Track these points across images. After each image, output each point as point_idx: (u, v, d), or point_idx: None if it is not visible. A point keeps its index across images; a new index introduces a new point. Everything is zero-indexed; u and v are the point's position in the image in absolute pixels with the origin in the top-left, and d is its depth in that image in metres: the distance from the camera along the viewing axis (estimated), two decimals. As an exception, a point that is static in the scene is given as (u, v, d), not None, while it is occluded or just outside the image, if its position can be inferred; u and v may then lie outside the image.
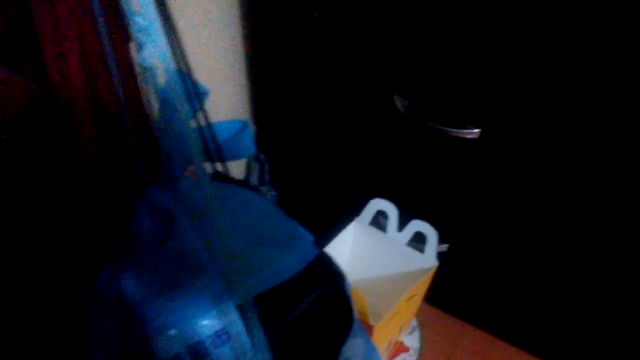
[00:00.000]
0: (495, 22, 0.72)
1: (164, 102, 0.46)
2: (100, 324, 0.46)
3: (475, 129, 0.82)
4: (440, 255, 0.89)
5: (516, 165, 0.82)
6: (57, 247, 0.49)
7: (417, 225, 0.89)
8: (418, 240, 0.90)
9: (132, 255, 0.45)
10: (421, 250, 0.89)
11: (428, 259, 0.89)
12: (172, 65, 0.42)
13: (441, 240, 0.89)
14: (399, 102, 0.89)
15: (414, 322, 1.07)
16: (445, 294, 1.07)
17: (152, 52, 0.38)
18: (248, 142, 0.53)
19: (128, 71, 0.42)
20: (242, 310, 0.45)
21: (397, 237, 0.92)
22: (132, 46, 0.43)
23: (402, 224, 0.91)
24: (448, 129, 0.84)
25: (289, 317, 0.47)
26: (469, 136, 0.84)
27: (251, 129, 0.54)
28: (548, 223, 0.84)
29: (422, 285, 0.89)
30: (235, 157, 0.53)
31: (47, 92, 0.39)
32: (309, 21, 0.90)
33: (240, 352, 0.45)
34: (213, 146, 0.50)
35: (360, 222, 0.94)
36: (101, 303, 0.46)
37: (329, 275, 0.51)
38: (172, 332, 0.42)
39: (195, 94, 0.49)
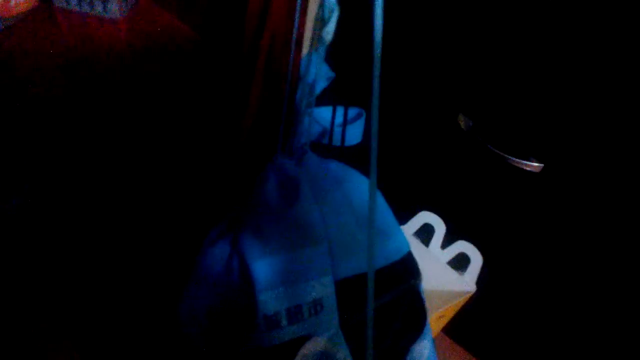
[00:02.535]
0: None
1: (304, 77, 0.50)
2: (204, 277, 0.50)
3: (537, 162, 0.85)
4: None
5: (575, 207, 0.85)
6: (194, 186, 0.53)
7: (463, 246, 0.93)
8: (459, 262, 0.94)
9: (255, 213, 0.49)
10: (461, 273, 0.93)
11: (467, 283, 0.93)
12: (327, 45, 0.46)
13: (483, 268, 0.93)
14: (463, 121, 0.92)
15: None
16: (463, 325, 1.10)
17: (330, 30, 0.43)
18: (358, 131, 0.58)
19: (299, 42, 0.47)
20: (337, 286, 0.49)
21: (439, 254, 0.96)
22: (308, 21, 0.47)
23: (446, 242, 0.95)
24: (509, 157, 0.87)
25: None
26: (528, 169, 0.87)
27: (364, 119, 0.58)
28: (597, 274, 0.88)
29: (453, 308, 0.93)
30: (341, 142, 0.57)
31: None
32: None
33: (327, 326, 0.49)
34: (330, 127, 0.54)
35: (405, 231, 0.97)
36: (213, 252, 0.50)
37: (413, 273, 0.55)
38: (278, 290, 0.47)
39: (326, 77, 0.54)
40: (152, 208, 0.55)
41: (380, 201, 0.55)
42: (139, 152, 0.55)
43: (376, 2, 0.33)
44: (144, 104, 0.53)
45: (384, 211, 0.55)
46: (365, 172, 0.55)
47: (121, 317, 0.55)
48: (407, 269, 0.55)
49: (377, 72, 0.34)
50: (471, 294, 0.91)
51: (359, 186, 0.53)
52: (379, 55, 0.35)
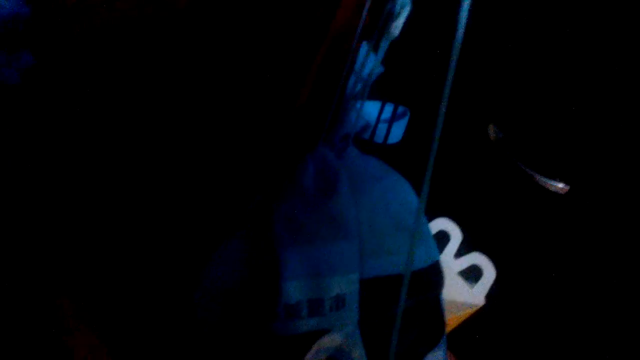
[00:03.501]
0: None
1: (360, 70, 0.49)
2: (226, 258, 0.50)
3: (563, 184, 0.85)
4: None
5: (597, 233, 0.84)
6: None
7: (477, 258, 0.93)
8: (471, 274, 0.94)
9: (289, 200, 0.49)
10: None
11: (476, 296, 0.93)
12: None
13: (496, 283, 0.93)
14: (493, 132, 0.92)
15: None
16: (465, 338, 1.11)
17: (399, 25, 0.42)
18: (401, 130, 0.57)
19: (364, 34, 0.46)
20: (362, 285, 0.49)
21: (451, 263, 0.96)
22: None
23: (460, 252, 0.95)
24: (536, 174, 0.86)
25: (392, 311, 0.52)
26: (554, 189, 0.86)
27: (407, 118, 0.58)
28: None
29: (457, 319, 0.93)
30: (383, 139, 0.57)
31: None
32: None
33: (346, 323, 0.49)
34: (375, 123, 0.54)
35: (420, 236, 0.97)
36: (238, 234, 0.50)
37: (438, 283, 0.55)
38: (303, 280, 0.47)
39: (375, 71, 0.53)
40: (177, 185, 0.54)
41: (416, 206, 0.55)
42: (168, 119, 0.54)
43: (462, 6, 0.32)
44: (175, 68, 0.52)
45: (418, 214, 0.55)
46: (403, 172, 0.54)
47: (134, 297, 0.55)
48: (433, 278, 0.54)
49: (450, 78, 0.33)
50: (479, 307, 0.92)
51: (397, 185, 0.52)
52: (455, 60, 0.34)
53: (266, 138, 0.50)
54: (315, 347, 0.48)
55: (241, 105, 0.52)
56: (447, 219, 0.95)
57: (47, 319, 0.50)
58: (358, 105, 0.48)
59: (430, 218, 0.96)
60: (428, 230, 0.56)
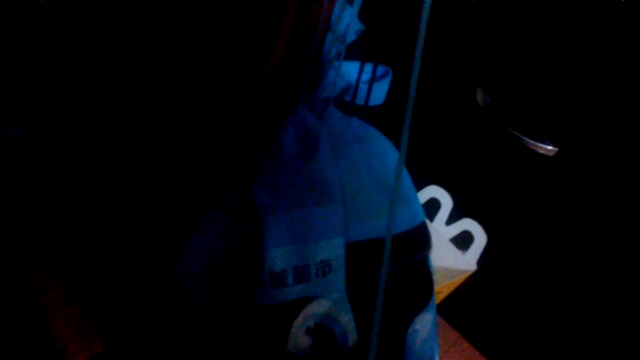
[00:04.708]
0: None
1: (334, 28, 0.48)
2: (208, 230, 0.49)
3: (552, 146, 0.85)
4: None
5: (586, 196, 0.85)
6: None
7: (468, 224, 0.93)
8: (462, 240, 0.94)
9: (270, 165, 0.48)
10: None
11: (468, 262, 0.93)
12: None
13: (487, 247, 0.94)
14: (480, 97, 0.91)
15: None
16: (455, 304, 1.12)
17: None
18: (383, 90, 0.56)
19: None
20: (347, 249, 0.49)
21: (442, 230, 0.96)
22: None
23: (451, 218, 0.95)
24: (525, 138, 0.86)
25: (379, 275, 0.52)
26: (543, 152, 0.87)
27: (389, 78, 0.57)
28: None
29: (451, 286, 0.94)
30: (365, 101, 0.56)
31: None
32: None
33: (333, 289, 0.49)
34: (355, 84, 0.53)
35: (410, 203, 0.97)
36: (221, 202, 0.49)
37: (425, 244, 0.55)
38: (287, 247, 0.46)
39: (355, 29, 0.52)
40: (159, 154, 0.54)
41: (405, 169, 0.54)
42: (149, 93, 0.53)
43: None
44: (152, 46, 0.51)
45: (403, 176, 0.54)
46: (386, 133, 0.54)
47: (118, 268, 0.54)
48: (420, 239, 0.54)
49: (421, 42, 0.32)
50: (470, 273, 0.92)
51: (380, 147, 0.52)
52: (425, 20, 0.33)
53: (242, 105, 0.49)
54: (302, 314, 0.48)
55: (214, 72, 0.50)
56: (437, 185, 0.95)
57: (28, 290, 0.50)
58: (336, 65, 0.47)
59: (421, 186, 0.95)
60: (412, 191, 0.55)
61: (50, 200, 0.55)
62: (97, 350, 0.49)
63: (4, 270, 0.52)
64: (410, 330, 0.54)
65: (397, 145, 0.53)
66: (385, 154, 0.52)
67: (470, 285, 0.97)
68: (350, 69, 0.53)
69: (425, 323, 0.55)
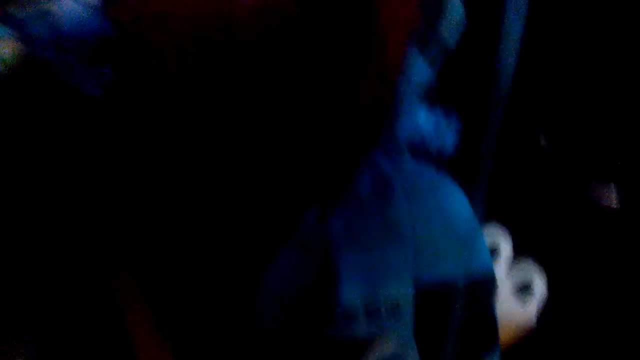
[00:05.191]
0: None
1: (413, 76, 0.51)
2: (285, 265, 0.52)
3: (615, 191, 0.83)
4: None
5: None
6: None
7: (528, 273, 0.91)
8: (520, 287, 0.92)
9: (346, 205, 0.51)
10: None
11: (528, 318, 0.90)
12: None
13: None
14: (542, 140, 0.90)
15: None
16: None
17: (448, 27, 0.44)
18: (453, 140, 0.58)
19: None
20: (417, 292, 0.51)
21: (502, 280, 0.94)
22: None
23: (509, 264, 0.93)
24: (588, 181, 0.85)
25: (447, 320, 0.53)
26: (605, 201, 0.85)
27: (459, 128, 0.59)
28: None
29: (510, 342, 0.91)
30: (438, 149, 0.58)
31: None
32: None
33: (401, 330, 0.50)
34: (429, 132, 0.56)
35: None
36: (297, 239, 0.52)
37: (492, 292, 0.56)
38: (360, 286, 0.48)
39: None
40: (240, 184, 0.56)
41: (471, 215, 0.56)
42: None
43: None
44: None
45: (472, 223, 0.56)
46: (456, 181, 0.56)
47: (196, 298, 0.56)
48: (488, 287, 0.55)
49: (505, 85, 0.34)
50: (529, 329, 0.90)
51: (452, 196, 0.54)
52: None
53: (322, 145, 0.52)
54: (370, 353, 0.50)
55: (303, 105, 0.52)
56: (498, 228, 0.93)
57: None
58: (411, 112, 0.50)
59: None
60: (481, 237, 0.57)
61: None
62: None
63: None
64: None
65: (466, 192, 0.55)
66: (456, 202, 0.54)
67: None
68: (424, 117, 0.56)
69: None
